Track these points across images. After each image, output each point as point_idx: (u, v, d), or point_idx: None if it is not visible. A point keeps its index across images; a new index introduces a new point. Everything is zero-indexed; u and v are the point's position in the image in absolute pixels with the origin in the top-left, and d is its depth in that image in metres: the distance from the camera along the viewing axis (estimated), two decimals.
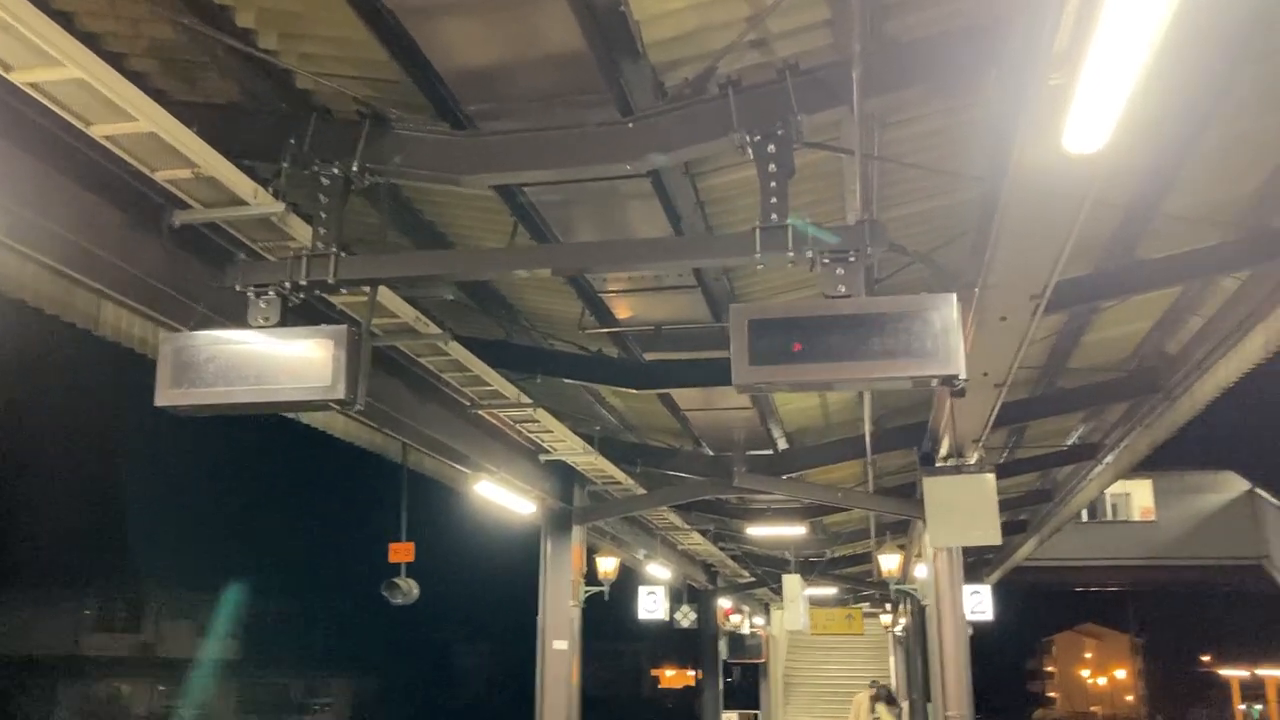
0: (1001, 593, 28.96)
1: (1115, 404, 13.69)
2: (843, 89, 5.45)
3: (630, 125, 5.70)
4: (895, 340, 5.09)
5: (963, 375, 5.07)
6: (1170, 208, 8.27)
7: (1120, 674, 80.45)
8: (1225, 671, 68.44)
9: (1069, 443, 16.56)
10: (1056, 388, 13.03)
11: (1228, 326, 10.79)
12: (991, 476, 8.40)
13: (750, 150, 5.49)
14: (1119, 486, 30.34)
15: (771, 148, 5.46)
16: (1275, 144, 7.82)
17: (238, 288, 5.81)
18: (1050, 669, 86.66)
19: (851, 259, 5.30)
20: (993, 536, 8.60)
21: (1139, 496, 38.63)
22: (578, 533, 13.88)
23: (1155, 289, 9.45)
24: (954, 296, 5.09)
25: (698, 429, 12.90)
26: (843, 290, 5.31)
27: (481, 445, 11.05)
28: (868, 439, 12.14)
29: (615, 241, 6.47)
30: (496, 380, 9.32)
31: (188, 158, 5.40)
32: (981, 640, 20.22)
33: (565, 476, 13.34)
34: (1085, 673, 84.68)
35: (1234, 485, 37.01)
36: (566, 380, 10.15)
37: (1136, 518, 38.86)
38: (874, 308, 5.16)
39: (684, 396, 11.42)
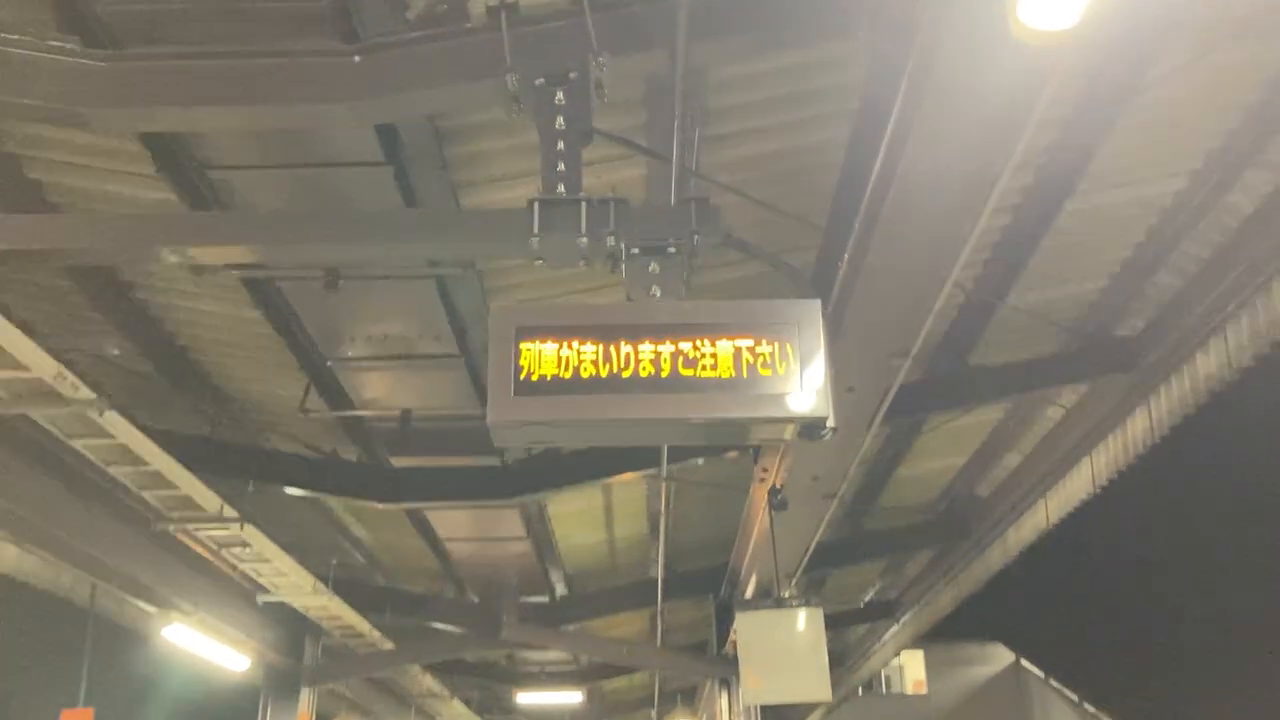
0: None
1: (922, 551, 12.46)
2: (659, 27, 3.86)
3: (356, 59, 3.87)
4: (737, 365, 3.34)
5: (831, 421, 3.36)
6: (1017, 298, 7.08)
7: None
8: None
9: (866, 599, 15.23)
10: (863, 530, 11.67)
11: (1051, 461, 9.71)
12: (819, 612, 6.69)
13: (528, 101, 3.76)
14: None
15: (560, 97, 3.75)
16: (1128, 233, 6.82)
17: None
18: None
19: (671, 250, 3.58)
20: (821, 689, 6.78)
21: (912, 669, 38.00)
22: (307, 696, 11.17)
23: (989, 400, 8.23)
24: (818, 304, 3.42)
25: (461, 568, 10.70)
26: (657, 294, 3.56)
27: (175, 576, 8.47)
28: (659, 582, 10.28)
29: (321, 212, 4.49)
30: (188, 483, 6.97)
31: None
32: None
33: (293, 625, 10.73)
34: None
35: (1002, 657, 37.00)
36: (289, 491, 7.85)
37: (910, 690, 38.14)
38: (704, 316, 3.41)
39: (445, 522, 9.29)
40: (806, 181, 5.35)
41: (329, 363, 6.25)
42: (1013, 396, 8.42)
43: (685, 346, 3.36)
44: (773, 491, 6.39)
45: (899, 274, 4.26)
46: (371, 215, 4.10)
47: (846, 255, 4.45)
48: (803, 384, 3.34)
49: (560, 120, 3.70)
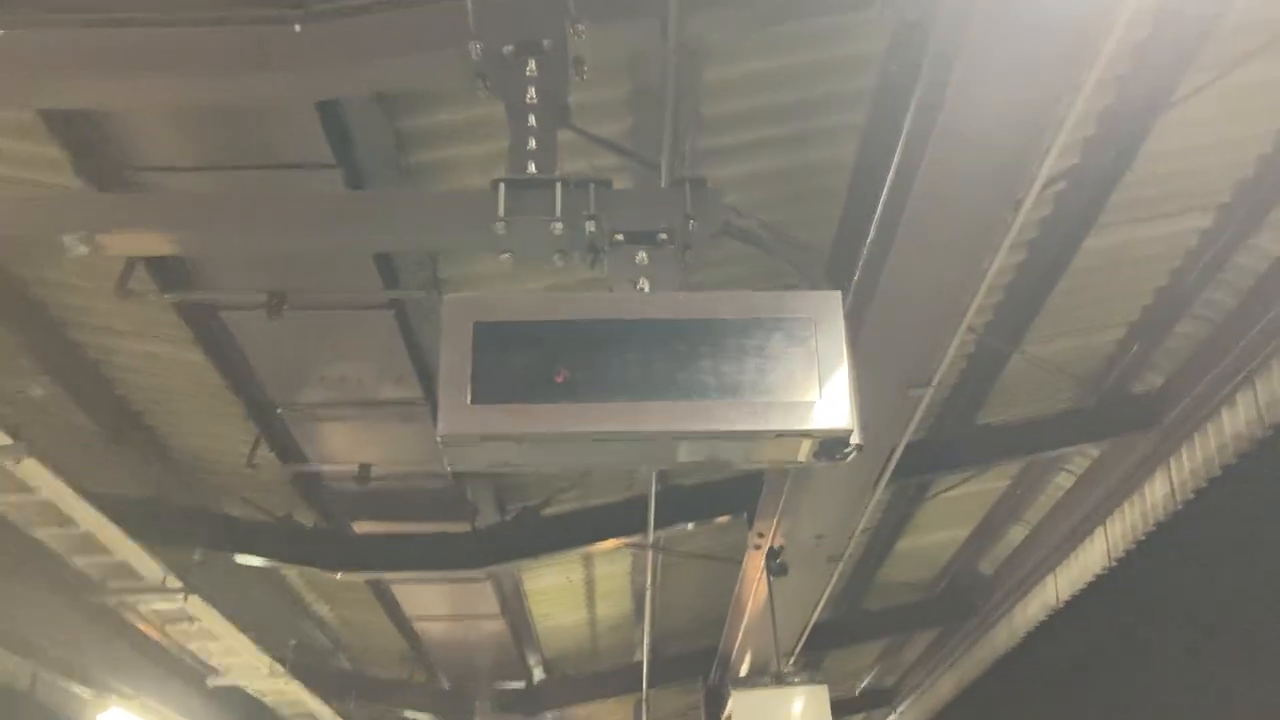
0: None
1: (921, 633, 11.69)
2: None
3: (297, 27, 3.32)
4: (741, 368, 2.73)
5: (857, 436, 2.74)
6: (1028, 349, 6.51)
7: None
8: None
9: (861, 686, 14.34)
10: (859, 610, 10.93)
11: (1060, 532, 9.07)
12: (824, 690, 5.97)
13: (494, 75, 3.21)
14: None
15: (532, 67, 3.20)
16: (1149, 276, 6.31)
17: None
18: None
19: (662, 237, 3.00)
20: None
21: None
22: None
23: (998, 461, 7.61)
24: (839, 296, 2.83)
25: (432, 650, 9.87)
26: (645, 286, 2.97)
27: (113, 655, 7.65)
28: (645, 666, 9.49)
29: (249, 194, 3.87)
30: (125, 548, 6.26)
31: None
32: None
33: (248, 711, 9.81)
34: None
35: None
36: (240, 559, 7.10)
37: None
38: (702, 309, 2.80)
39: (413, 598, 8.52)
40: (811, 203, 4.82)
41: (279, 409, 5.60)
42: (1023, 457, 7.80)
43: (681, 346, 2.76)
44: (771, 554, 5.72)
45: (924, 281, 3.69)
46: (308, 197, 3.51)
47: (859, 266, 3.89)
48: (821, 391, 2.72)
49: (532, 92, 3.14)
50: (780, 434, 2.71)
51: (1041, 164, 3.92)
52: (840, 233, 4.49)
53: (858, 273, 3.99)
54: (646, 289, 2.95)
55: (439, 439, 2.67)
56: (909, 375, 4.15)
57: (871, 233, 3.96)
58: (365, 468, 6.04)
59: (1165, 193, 5.54)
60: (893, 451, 4.68)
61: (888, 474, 4.85)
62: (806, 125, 4.55)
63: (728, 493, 7.09)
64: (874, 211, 3.91)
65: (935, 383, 4.31)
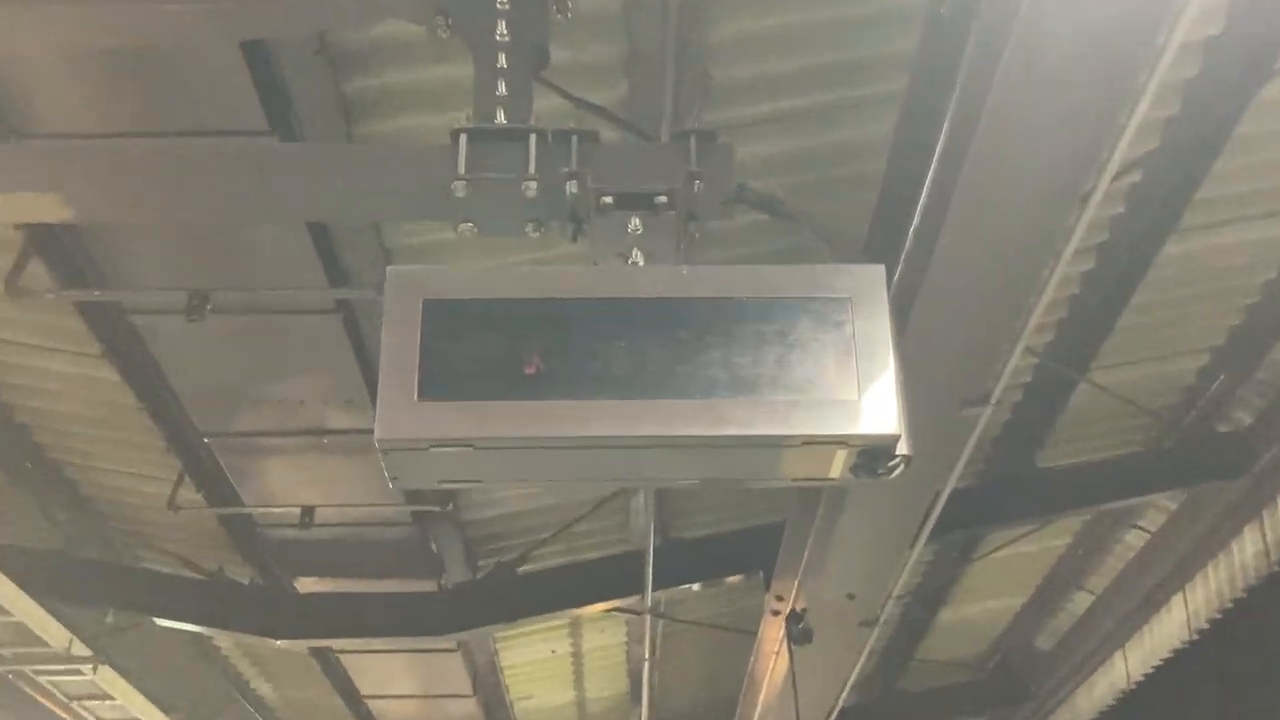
0: None
1: (969, 719, 11.39)
2: None
3: None
4: (759, 360, 2.45)
5: (905, 446, 2.47)
6: (1096, 373, 6.26)
7: None
8: None
9: None
10: (895, 692, 10.66)
11: (1131, 601, 8.83)
12: None
13: (458, 13, 2.97)
14: None
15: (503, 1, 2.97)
16: (1238, 291, 6.08)
17: None
18: None
19: (662, 201, 2.74)
20: None
21: None
22: None
23: (1058, 512, 7.36)
24: (881, 271, 2.56)
25: None
26: (639, 259, 2.70)
27: None
28: None
29: (161, 146, 3.63)
30: (22, 608, 6.00)
31: None
32: None
33: None
34: None
35: None
36: (161, 623, 6.83)
37: None
38: (711, 287, 2.53)
39: (369, 674, 8.29)
40: (841, 190, 4.62)
41: (206, 439, 5.35)
42: (1087, 509, 7.56)
43: (683, 332, 2.48)
44: (792, 618, 5.44)
45: (980, 271, 3.45)
46: (231, 152, 3.22)
47: (902, 259, 3.65)
48: (861, 388, 2.44)
49: (502, 27, 2.91)
50: (809, 441, 2.43)
51: (1116, 143, 3.72)
52: (877, 218, 4.26)
53: (900, 266, 3.75)
54: (640, 259, 2.68)
55: (377, 443, 2.40)
56: (962, 390, 3.88)
57: (916, 218, 3.74)
58: (309, 510, 5.80)
59: (1259, 188, 5.32)
60: (941, 490, 4.40)
61: (935, 512, 4.56)
62: (835, 95, 4.35)
63: (740, 547, 6.88)
64: (919, 193, 3.69)
65: (995, 400, 4.04)
